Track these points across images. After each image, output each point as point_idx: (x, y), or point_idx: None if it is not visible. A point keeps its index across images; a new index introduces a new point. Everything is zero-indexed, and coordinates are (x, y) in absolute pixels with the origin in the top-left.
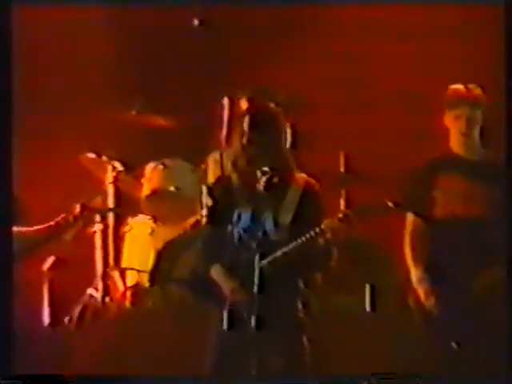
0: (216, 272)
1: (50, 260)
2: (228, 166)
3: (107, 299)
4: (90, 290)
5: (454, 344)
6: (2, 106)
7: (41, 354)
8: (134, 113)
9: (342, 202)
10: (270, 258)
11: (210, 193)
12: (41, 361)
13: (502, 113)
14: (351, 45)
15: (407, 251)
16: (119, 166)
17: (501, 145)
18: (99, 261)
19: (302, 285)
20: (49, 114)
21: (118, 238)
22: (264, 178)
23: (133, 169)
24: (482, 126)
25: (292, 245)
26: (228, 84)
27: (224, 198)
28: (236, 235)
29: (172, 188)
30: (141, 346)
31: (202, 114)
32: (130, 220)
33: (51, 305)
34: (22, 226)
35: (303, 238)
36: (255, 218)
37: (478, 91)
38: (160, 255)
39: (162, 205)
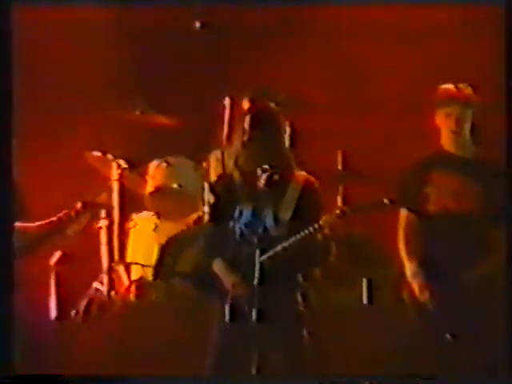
0: (218, 266)
1: (57, 255)
2: (229, 163)
3: (112, 293)
4: (95, 284)
5: (448, 336)
6: (2, 106)
7: (47, 347)
8: (138, 112)
9: (340, 199)
10: (270, 253)
11: (212, 190)
12: (47, 354)
13: (495, 112)
14: (350, 45)
15: (401, 246)
16: (124, 164)
17: (492, 142)
18: (105, 255)
19: (301, 279)
20: (50, 114)
21: (123, 234)
22: (264, 176)
23: (137, 166)
24: (472, 124)
25: (291, 240)
26: (229, 84)
27: (226, 195)
28: (237, 231)
29: (175, 185)
30: (145, 338)
31: (204, 113)
32: (134, 216)
33: (58, 298)
34: (28, 222)
35: (302, 234)
36: (256, 215)
37: (468, 90)
38: (163, 250)
39: (165, 201)
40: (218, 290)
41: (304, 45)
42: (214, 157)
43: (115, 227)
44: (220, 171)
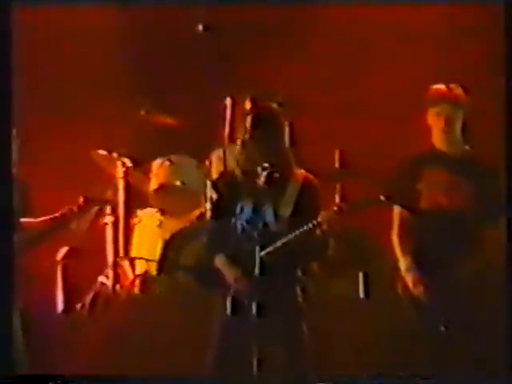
0: (220, 261)
1: (64, 250)
2: (231, 162)
3: (117, 286)
4: (101, 278)
5: (442, 327)
6: (2, 106)
7: (54, 338)
8: (142, 113)
9: (337, 196)
10: (270, 248)
11: (214, 187)
12: (54, 344)
13: (487, 111)
14: (350, 45)
15: (395, 242)
16: (129, 162)
17: (482, 141)
18: (110, 251)
19: (300, 272)
20: (50, 114)
21: (128, 230)
22: (264, 174)
23: (141, 165)
24: (463, 123)
25: (291, 236)
26: (230, 85)
27: (227, 192)
28: (239, 227)
29: (178, 183)
30: (148, 330)
31: (206, 113)
32: (139, 212)
33: (64, 292)
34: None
35: (301, 230)
36: (257, 211)
37: (458, 91)
38: (167, 245)
39: (169, 198)
40: (219, 283)
41: (303, 45)
42: (216, 155)
43: (120, 223)
44: (222, 169)
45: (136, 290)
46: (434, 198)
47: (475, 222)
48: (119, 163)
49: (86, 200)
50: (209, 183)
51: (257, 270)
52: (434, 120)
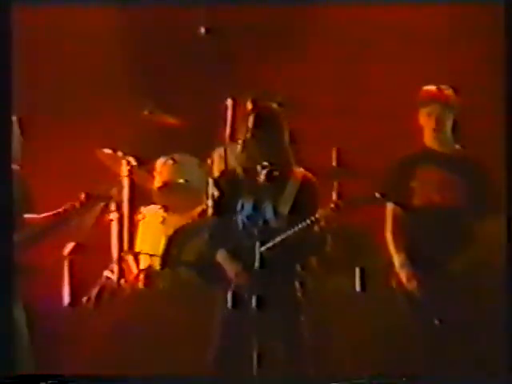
0: (221, 256)
1: (70, 246)
2: (232, 160)
3: (122, 281)
4: (106, 273)
5: (436, 321)
6: (2, 106)
7: (60, 331)
8: (146, 113)
9: (335, 194)
10: (270, 244)
11: (216, 185)
12: (59, 336)
13: (484, 111)
14: (349, 45)
15: (389, 238)
16: (133, 161)
17: (472, 139)
18: (115, 246)
19: (299, 267)
20: (50, 115)
21: (132, 226)
22: (264, 172)
23: (145, 163)
24: (454, 123)
25: (290, 232)
26: (231, 86)
27: (228, 190)
28: (239, 223)
29: (181, 180)
30: (152, 323)
31: (208, 113)
32: (143, 209)
33: (71, 286)
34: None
35: (300, 226)
36: (257, 208)
37: (449, 91)
38: (170, 241)
39: (172, 196)
40: (221, 278)
41: (303, 46)
42: (218, 154)
43: (125, 220)
44: (223, 167)
45: (140, 284)
46: (427, 196)
47: (467, 219)
48: (124, 162)
49: (88, 196)
50: (210, 181)
51: (257, 265)
52: (425, 120)
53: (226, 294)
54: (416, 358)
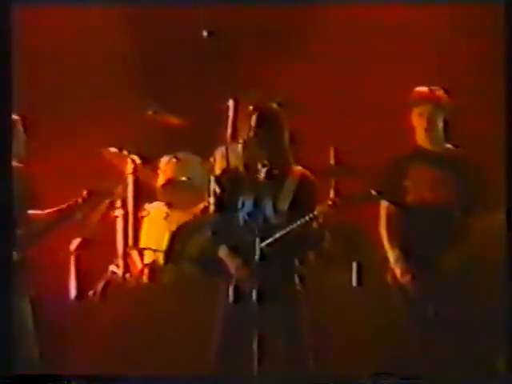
0: (223, 252)
1: (77, 241)
2: (233, 159)
3: (127, 275)
4: (112, 267)
5: (431, 312)
6: (3, 106)
7: (67, 323)
8: (150, 113)
9: (332, 191)
10: (270, 240)
11: (218, 182)
12: (66, 328)
13: (483, 110)
14: (349, 45)
15: (383, 235)
16: (138, 159)
17: (464, 139)
18: (120, 242)
19: (298, 262)
20: (50, 115)
21: (137, 222)
22: (264, 170)
23: (150, 161)
24: (445, 123)
25: (289, 228)
26: (232, 86)
27: (230, 187)
28: (240, 220)
29: (184, 178)
30: (156, 316)
31: (210, 113)
32: (147, 206)
33: (77, 280)
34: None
35: (299, 222)
36: (257, 205)
37: (440, 92)
38: (174, 237)
39: (175, 193)
40: (222, 272)
41: (303, 47)
42: (219, 153)
43: (130, 216)
44: (224, 166)
45: (144, 278)
46: (420, 193)
47: (458, 215)
48: (129, 160)
49: (90, 193)
50: (212, 179)
51: (257, 260)
52: (417, 120)
53: (228, 287)
54: (410, 349)
